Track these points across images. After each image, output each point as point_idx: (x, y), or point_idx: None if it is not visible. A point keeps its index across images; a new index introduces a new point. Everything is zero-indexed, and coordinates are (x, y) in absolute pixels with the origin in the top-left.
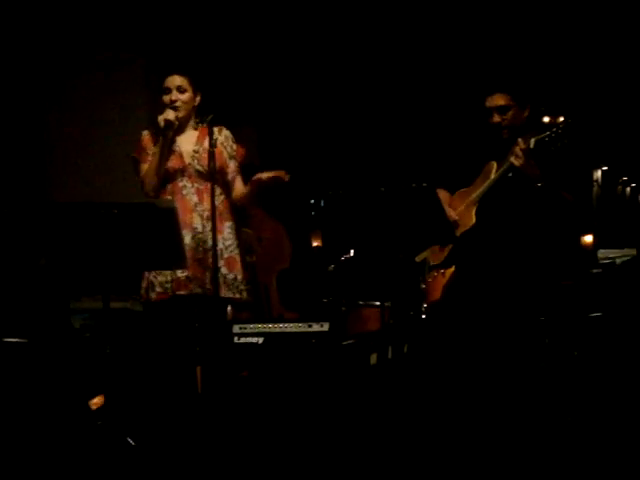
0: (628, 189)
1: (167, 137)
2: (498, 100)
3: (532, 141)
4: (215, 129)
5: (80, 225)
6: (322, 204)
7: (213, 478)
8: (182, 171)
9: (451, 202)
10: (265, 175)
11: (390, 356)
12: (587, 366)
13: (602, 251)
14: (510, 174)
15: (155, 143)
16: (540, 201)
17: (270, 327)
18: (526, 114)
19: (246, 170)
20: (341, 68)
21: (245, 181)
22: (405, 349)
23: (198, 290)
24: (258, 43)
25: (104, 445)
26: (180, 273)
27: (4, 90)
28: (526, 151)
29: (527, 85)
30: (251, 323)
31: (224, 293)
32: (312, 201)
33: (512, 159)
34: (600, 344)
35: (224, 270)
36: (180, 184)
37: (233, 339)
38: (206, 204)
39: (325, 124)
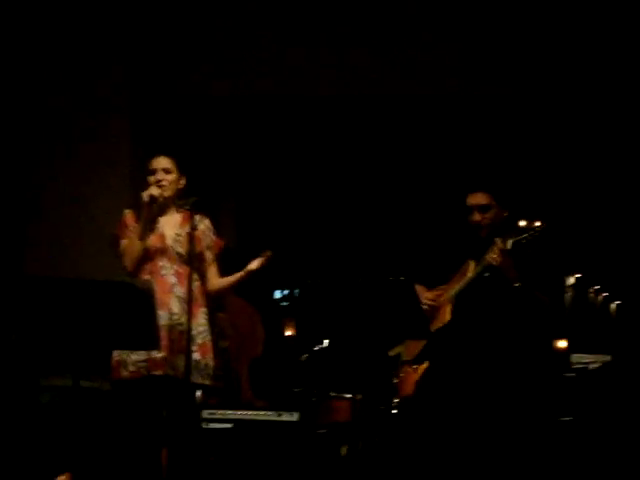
0: (600, 297)
1: (151, 211)
2: (480, 199)
3: (509, 242)
4: (197, 217)
5: (54, 301)
6: (298, 293)
7: None
8: (162, 251)
9: (428, 294)
10: (255, 264)
11: (360, 449)
12: (558, 469)
13: (575, 356)
14: (487, 274)
15: (137, 221)
16: (517, 301)
17: (240, 414)
18: (505, 215)
19: (223, 254)
20: (321, 158)
21: (221, 269)
22: (375, 443)
23: (170, 372)
24: (238, 130)
25: None
26: (157, 353)
27: None
28: (504, 251)
29: (508, 187)
30: (221, 409)
31: (195, 379)
32: (288, 290)
33: (490, 258)
34: (570, 449)
35: (197, 356)
36: (160, 264)
37: (202, 424)
38: (184, 287)
39: (304, 213)
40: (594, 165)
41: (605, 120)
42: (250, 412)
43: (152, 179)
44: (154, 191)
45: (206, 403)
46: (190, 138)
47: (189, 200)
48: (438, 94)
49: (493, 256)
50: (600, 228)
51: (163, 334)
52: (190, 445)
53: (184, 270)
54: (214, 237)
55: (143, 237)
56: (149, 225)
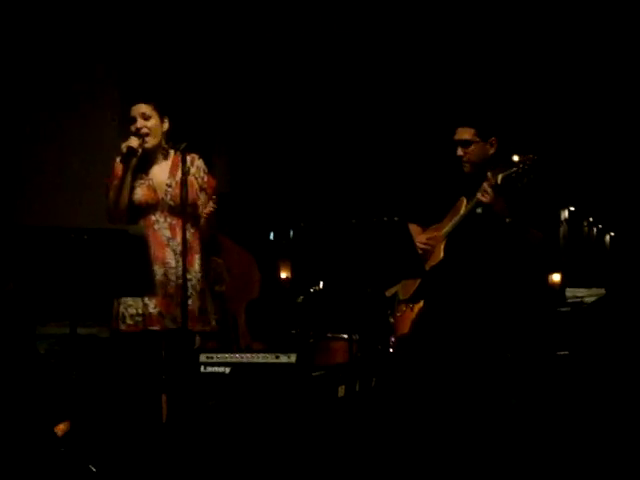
0: (594, 230)
1: (130, 164)
2: (462, 134)
3: (499, 177)
4: (187, 158)
5: (50, 250)
6: (292, 235)
7: None
8: (154, 205)
9: (422, 236)
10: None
11: (358, 389)
12: (554, 403)
13: (570, 290)
14: (479, 210)
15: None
16: (509, 237)
17: (237, 357)
18: (491, 151)
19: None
20: (315, 100)
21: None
22: (373, 382)
23: (171, 325)
24: (231, 70)
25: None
26: (152, 308)
27: None
28: (494, 187)
29: (494, 122)
30: (218, 353)
31: (195, 327)
32: (282, 232)
33: (479, 195)
34: (566, 382)
35: (197, 303)
36: (153, 218)
37: (200, 368)
38: (179, 238)
39: (298, 155)
40: (585, 97)
41: (595, 50)
42: (248, 355)
43: (132, 128)
44: (133, 142)
45: (204, 347)
46: (179, 83)
47: (179, 145)
48: (425, 30)
49: (483, 192)
50: (594, 161)
51: (161, 289)
52: (189, 390)
53: (177, 221)
54: (206, 177)
55: (125, 190)
56: (131, 177)
